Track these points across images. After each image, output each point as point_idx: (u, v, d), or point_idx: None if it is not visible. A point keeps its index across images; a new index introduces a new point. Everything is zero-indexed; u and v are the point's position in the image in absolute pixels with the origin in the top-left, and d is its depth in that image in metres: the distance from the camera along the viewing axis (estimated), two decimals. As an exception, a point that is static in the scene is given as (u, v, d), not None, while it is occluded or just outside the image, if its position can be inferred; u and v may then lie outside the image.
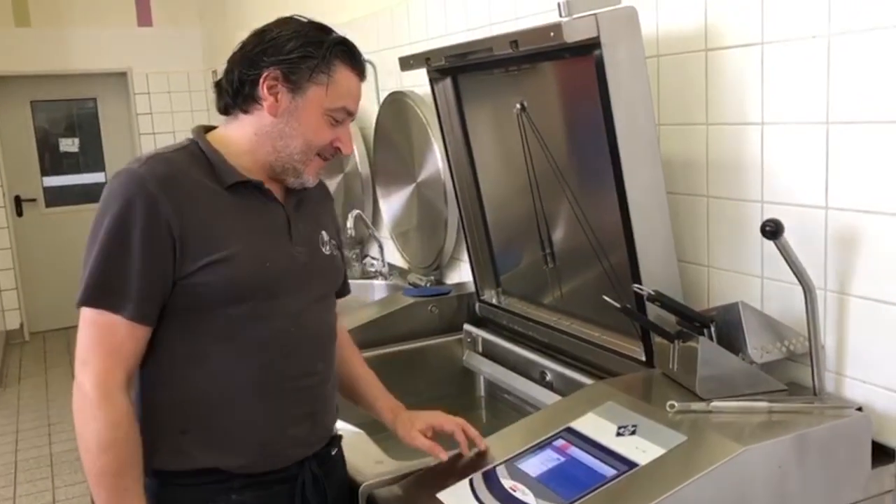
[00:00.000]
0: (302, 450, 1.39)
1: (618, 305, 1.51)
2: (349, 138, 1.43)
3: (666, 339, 1.53)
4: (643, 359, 1.71)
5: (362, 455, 1.55)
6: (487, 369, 2.26)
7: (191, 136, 1.38)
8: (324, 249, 1.44)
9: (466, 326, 2.36)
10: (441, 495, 1.35)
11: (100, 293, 1.25)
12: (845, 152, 1.41)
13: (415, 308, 2.42)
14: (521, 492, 1.30)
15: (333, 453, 1.48)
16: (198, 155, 1.33)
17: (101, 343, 1.25)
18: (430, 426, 1.50)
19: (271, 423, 1.34)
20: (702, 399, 1.44)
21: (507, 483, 1.33)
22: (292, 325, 1.35)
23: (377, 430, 1.71)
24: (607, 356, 1.82)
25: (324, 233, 1.46)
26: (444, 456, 1.44)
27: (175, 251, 1.25)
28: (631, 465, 1.29)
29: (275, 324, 1.33)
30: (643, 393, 1.55)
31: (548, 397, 1.98)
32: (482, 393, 2.34)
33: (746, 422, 1.36)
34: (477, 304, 2.35)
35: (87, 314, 1.26)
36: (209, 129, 1.41)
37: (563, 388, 1.94)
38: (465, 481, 1.36)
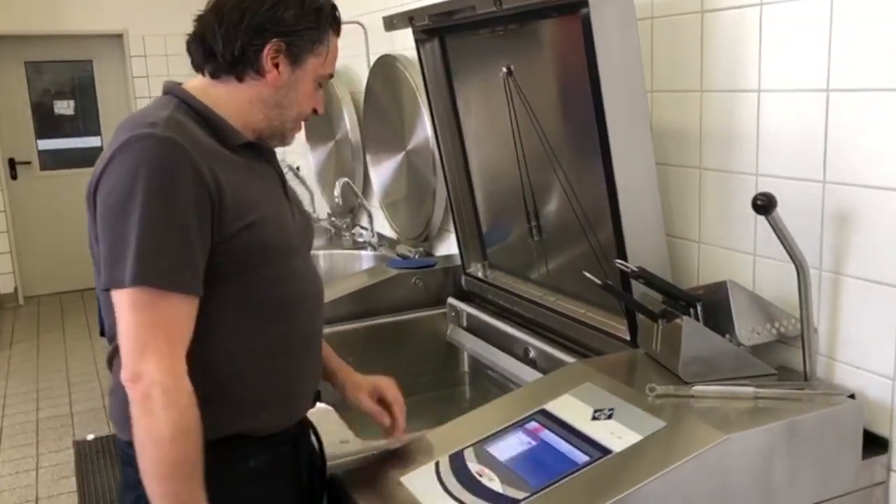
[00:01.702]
0: (304, 408, 1.38)
1: (598, 282, 1.43)
2: (323, 99, 1.39)
3: (649, 319, 1.45)
4: (628, 338, 1.63)
5: (328, 434, 1.48)
6: (471, 345, 2.18)
7: (168, 94, 1.29)
8: (305, 209, 1.45)
9: (451, 300, 2.29)
10: (405, 478, 1.28)
11: (156, 271, 1.13)
12: (846, 122, 1.32)
13: (399, 280, 2.35)
14: (488, 477, 1.23)
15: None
16: (194, 116, 1.25)
17: (163, 326, 1.13)
18: (376, 390, 1.47)
19: (289, 383, 1.32)
20: (684, 382, 1.36)
21: (474, 467, 1.26)
22: (304, 284, 1.33)
23: (346, 407, 1.64)
24: (592, 334, 1.75)
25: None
26: (387, 422, 1.44)
27: (213, 217, 1.17)
28: (605, 451, 1.21)
29: (292, 285, 1.30)
30: (624, 374, 1.47)
31: (531, 375, 1.90)
32: (465, 369, 2.27)
33: (730, 408, 1.28)
34: (463, 278, 2.27)
35: (138, 295, 1.13)
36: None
37: (547, 365, 1.87)
38: (431, 464, 1.29)
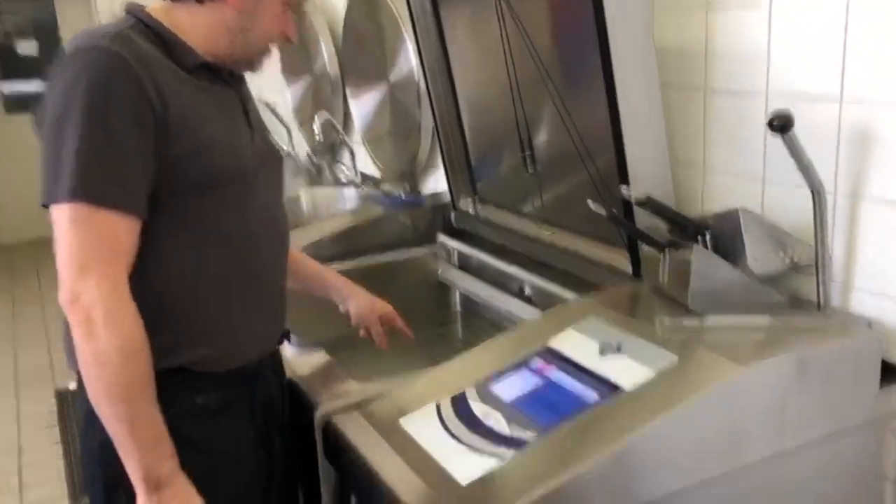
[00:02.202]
0: (264, 346, 1.33)
1: (604, 212, 1.35)
2: (296, 27, 1.31)
3: (656, 249, 1.38)
4: (630, 271, 1.56)
5: (321, 376, 1.42)
6: (463, 283, 2.11)
7: (128, 14, 1.22)
8: (271, 139, 1.39)
9: (441, 238, 2.21)
10: (404, 422, 1.22)
11: (94, 185, 1.07)
12: (868, 32, 1.23)
13: (386, 219, 2.26)
14: (494, 419, 1.17)
15: (280, 347, 1.43)
16: (149, 35, 1.18)
17: (103, 243, 1.08)
18: (385, 315, 1.64)
19: (241, 319, 1.27)
20: (694, 314, 1.30)
21: (479, 409, 1.20)
22: (261, 216, 1.29)
23: (337, 347, 1.57)
24: (591, 268, 1.68)
25: (263, 120, 1.38)
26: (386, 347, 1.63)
27: (157, 136, 1.11)
28: (615, 388, 1.15)
29: (246, 216, 1.25)
30: (629, 308, 1.41)
31: (527, 312, 1.84)
32: (458, 308, 2.20)
33: (744, 340, 1.22)
34: (452, 214, 2.19)
35: (77, 211, 1.07)
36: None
37: (543, 302, 1.80)
38: (432, 406, 1.23)
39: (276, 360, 1.41)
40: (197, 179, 1.17)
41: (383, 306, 1.66)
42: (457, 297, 2.19)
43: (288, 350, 1.53)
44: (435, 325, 2.16)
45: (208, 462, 1.23)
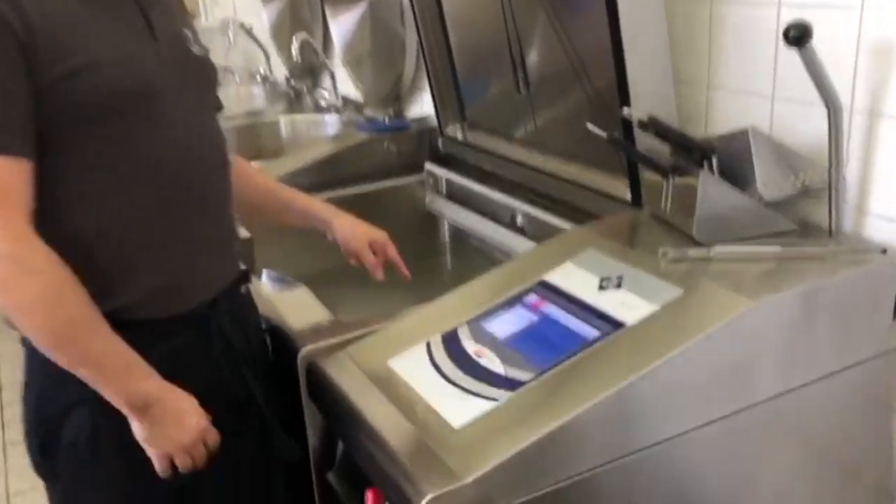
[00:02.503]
0: (212, 286, 1.20)
1: (603, 135, 1.25)
2: None
3: (659, 175, 1.29)
4: (629, 198, 1.47)
5: (302, 314, 1.33)
6: (451, 213, 2.02)
7: None
8: (192, 49, 1.20)
9: (428, 165, 2.10)
10: (393, 362, 1.14)
11: None
12: (894, -66, 1.12)
13: (369, 145, 2.15)
14: (487, 358, 1.09)
15: (242, 291, 1.29)
16: None
17: None
18: (375, 241, 1.49)
19: (175, 258, 1.15)
20: (700, 244, 1.22)
21: (471, 347, 1.13)
22: (180, 139, 1.14)
23: (320, 283, 1.49)
24: (587, 196, 1.59)
25: (185, 30, 1.21)
26: (380, 276, 1.49)
27: (27, 64, 0.98)
28: (616, 324, 1.08)
29: (160, 141, 1.11)
30: (629, 238, 1.33)
31: (519, 243, 1.76)
32: (446, 239, 2.12)
33: (753, 270, 1.14)
34: (440, 140, 2.08)
35: None
36: None
37: (537, 232, 1.72)
38: (422, 345, 1.16)
39: (237, 305, 1.27)
40: (87, 106, 1.04)
41: (374, 231, 1.50)
42: (445, 228, 2.10)
43: (266, 287, 1.45)
44: (422, 257, 2.08)
45: None
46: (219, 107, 1.30)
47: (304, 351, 1.22)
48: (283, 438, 1.24)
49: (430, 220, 2.11)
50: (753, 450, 1.12)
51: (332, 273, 1.60)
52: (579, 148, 1.64)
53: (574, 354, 1.05)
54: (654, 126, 1.24)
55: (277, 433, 1.24)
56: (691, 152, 1.27)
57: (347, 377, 1.14)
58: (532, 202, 1.76)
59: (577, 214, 1.63)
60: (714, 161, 1.27)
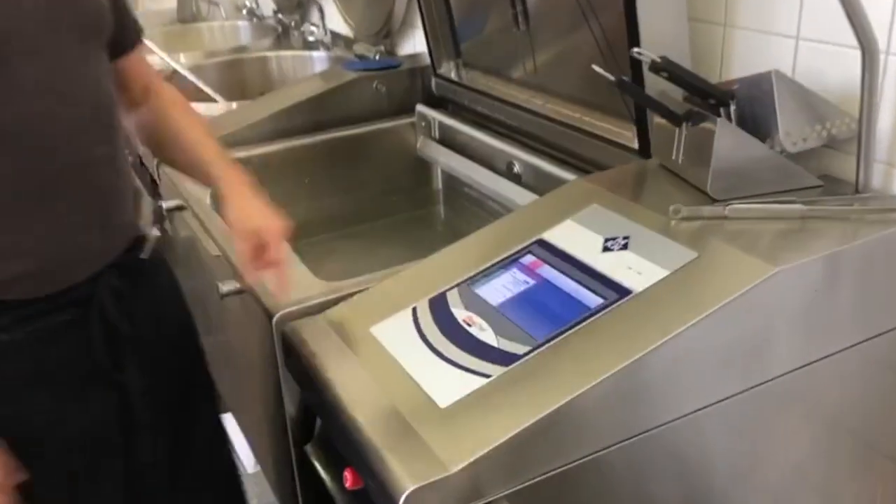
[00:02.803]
0: (91, 262, 1.07)
1: (611, 77, 1.12)
2: None
3: (671, 123, 1.17)
4: (635, 146, 1.36)
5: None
6: (445, 159, 1.90)
7: None
8: None
9: (419, 108, 1.97)
10: (375, 329, 1.04)
11: None
12: None
13: (357, 85, 2.01)
14: (478, 326, 0.99)
15: (142, 257, 1.16)
16: None
17: None
18: (257, 235, 1.08)
19: (40, 239, 1.01)
20: (714, 200, 1.11)
21: (460, 314, 1.02)
22: (41, 97, 0.97)
23: (295, 237, 1.37)
24: (589, 143, 1.47)
25: None
26: (254, 280, 1.14)
27: None
28: (623, 291, 0.97)
29: (16, 103, 0.94)
30: (637, 193, 1.21)
31: (516, 193, 1.65)
32: (439, 186, 2.00)
33: (774, 231, 1.03)
34: (433, 80, 1.95)
35: None
36: None
37: (535, 182, 1.61)
38: (407, 311, 1.05)
39: (131, 278, 1.12)
40: None
41: (267, 218, 1.10)
42: (438, 175, 1.98)
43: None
44: (414, 206, 1.97)
45: (19, 417, 1.04)
46: (124, 42, 1.12)
47: (279, 315, 1.11)
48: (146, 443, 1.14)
49: (422, 167, 1.99)
50: (768, 427, 1.03)
51: (308, 226, 1.49)
52: (582, 90, 1.51)
53: (575, 325, 0.95)
54: (667, 68, 1.11)
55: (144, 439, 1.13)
56: (707, 98, 1.15)
57: (325, 346, 1.04)
58: (530, 149, 1.64)
59: (579, 163, 1.52)
60: (732, 108, 1.15)
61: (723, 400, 0.96)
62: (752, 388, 0.97)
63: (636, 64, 1.20)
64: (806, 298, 0.97)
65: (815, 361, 1.02)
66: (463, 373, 0.93)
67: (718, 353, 0.93)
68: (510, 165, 1.68)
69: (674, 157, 1.19)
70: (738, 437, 1.01)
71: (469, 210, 1.86)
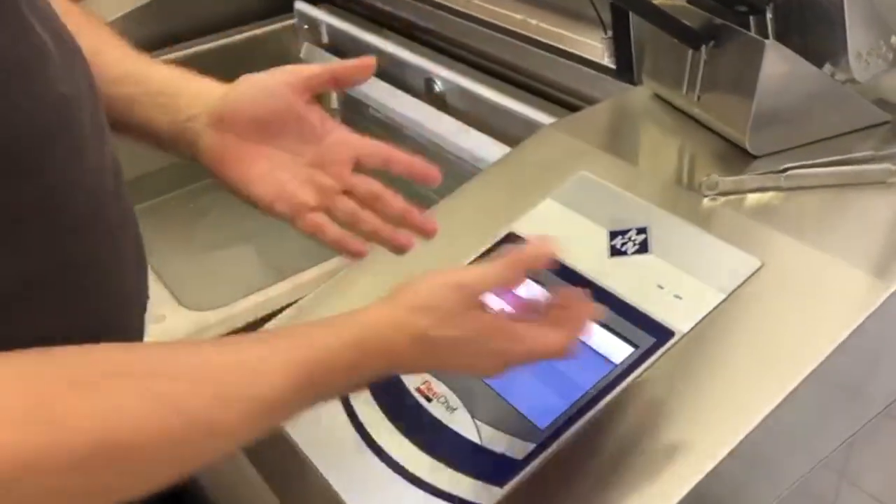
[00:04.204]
0: None
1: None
2: None
3: (684, 42, 0.80)
4: (605, 62, 0.99)
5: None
6: (339, 74, 1.47)
7: None
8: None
9: (299, 5, 1.52)
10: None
11: None
12: None
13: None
14: (442, 402, 0.64)
15: None
16: None
17: None
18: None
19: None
20: (752, 157, 0.77)
21: (412, 379, 0.67)
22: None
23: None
24: (540, 57, 1.09)
25: None
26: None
27: None
28: (660, 332, 0.63)
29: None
30: (636, 147, 0.86)
31: (439, 120, 1.26)
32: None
33: (858, 210, 0.71)
34: (313, -34, 1.49)
35: None
36: None
37: (464, 106, 1.22)
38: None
39: None
40: None
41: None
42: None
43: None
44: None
45: None
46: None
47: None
48: None
49: (310, 83, 1.55)
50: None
51: (161, 181, 1.10)
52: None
53: (597, 397, 0.61)
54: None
55: None
56: (735, 5, 0.79)
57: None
58: (456, 62, 1.25)
59: (526, 80, 1.14)
60: (769, 18, 0.79)
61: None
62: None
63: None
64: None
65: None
66: (423, 496, 0.59)
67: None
68: (429, 83, 1.28)
69: (685, 91, 0.83)
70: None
71: (377, 137, 1.46)
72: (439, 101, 1.27)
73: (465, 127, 1.17)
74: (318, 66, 0.63)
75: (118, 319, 0.53)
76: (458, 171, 1.24)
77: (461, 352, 0.51)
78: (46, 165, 0.44)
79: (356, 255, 0.63)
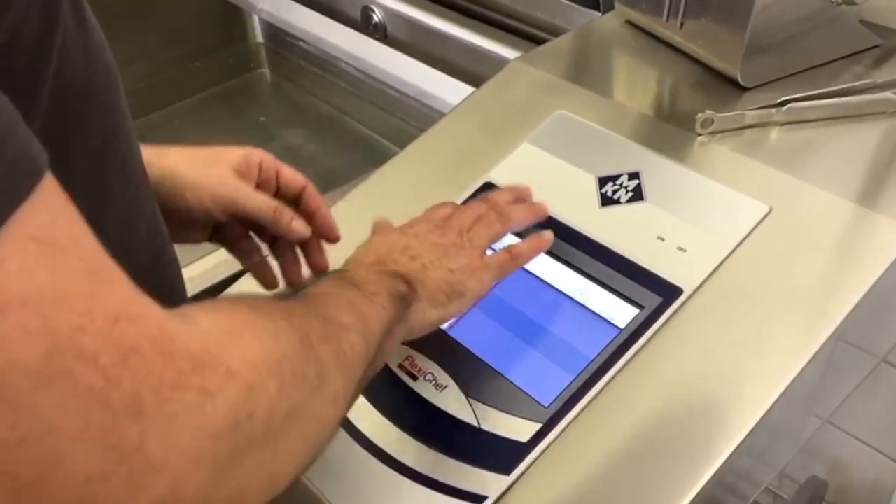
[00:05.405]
0: None
1: None
2: None
3: (666, -38, 0.73)
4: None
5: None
6: (264, 3, 1.34)
7: None
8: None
9: (214, -74, 1.36)
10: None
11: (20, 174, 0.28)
12: None
13: None
14: (430, 379, 0.57)
15: None
16: None
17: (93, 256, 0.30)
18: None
19: None
20: (743, 88, 0.71)
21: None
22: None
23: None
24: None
25: None
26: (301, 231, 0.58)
27: None
28: (667, 290, 0.57)
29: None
30: (613, 81, 0.78)
31: (380, 54, 1.16)
32: (259, 39, 1.45)
33: (863, 144, 0.65)
34: None
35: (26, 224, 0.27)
36: None
37: (408, 38, 1.12)
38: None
39: None
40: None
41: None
42: (255, 24, 1.42)
43: None
44: (228, 73, 1.42)
45: None
46: None
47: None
48: None
49: (232, 13, 1.41)
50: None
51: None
52: None
53: (603, 369, 0.55)
54: None
55: None
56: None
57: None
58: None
59: (479, 9, 1.05)
60: (758, -68, 0.72)
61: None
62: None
63: None
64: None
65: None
66: (413, 485, 0.52)
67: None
68: (367, 12, 1.17)
69: (665, 18, 0.76)
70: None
71: (310, 77, 1.34)
72: (380, 32, 1.16)
73: (411, 60, 1.08)
74: (262, 201, 0.55)
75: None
76: (407, 110, 1.15)
77: (448, 254, 0.52)
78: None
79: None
